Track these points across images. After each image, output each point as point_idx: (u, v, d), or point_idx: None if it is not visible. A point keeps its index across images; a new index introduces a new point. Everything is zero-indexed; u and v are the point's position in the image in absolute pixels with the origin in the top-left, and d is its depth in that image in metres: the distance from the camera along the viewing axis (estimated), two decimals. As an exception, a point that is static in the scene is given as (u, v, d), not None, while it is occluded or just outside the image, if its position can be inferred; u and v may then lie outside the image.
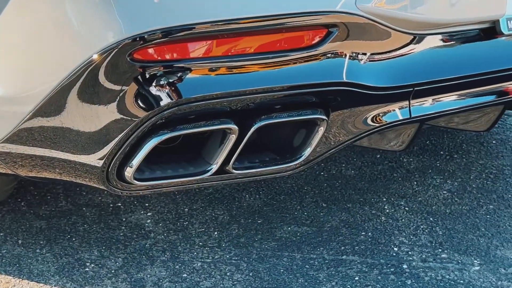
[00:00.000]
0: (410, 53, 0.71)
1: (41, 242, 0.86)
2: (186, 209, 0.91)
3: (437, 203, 0.94)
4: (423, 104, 0.73)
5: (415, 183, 0.99)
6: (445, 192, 0.96)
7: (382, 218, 0.90)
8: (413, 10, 0.69)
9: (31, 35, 0.68)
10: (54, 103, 0.64)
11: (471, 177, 1.00)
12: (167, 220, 0.89)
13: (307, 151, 0.69)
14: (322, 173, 1.00)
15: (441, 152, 1.06)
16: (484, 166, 1.02)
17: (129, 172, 0.65)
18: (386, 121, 0.72)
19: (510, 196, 0.96)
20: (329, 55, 0.66)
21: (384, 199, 0.95)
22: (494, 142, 1.09)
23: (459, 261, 0.82)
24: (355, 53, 0.66)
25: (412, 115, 0.72)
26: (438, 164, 1.03)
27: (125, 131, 0.63)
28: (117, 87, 0.63)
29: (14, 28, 0.68)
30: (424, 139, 1.08)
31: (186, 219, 0.89)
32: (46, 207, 0.91)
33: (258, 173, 0.70)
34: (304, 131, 0.69)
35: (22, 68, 0.69)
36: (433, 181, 0.99)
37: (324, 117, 0.67)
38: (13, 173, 0.76)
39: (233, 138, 0.65)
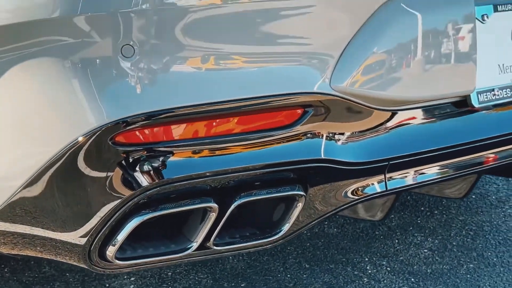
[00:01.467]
0: (384, 129, 0.74)
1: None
2: (170, 273, 0.92)
3: (418, 262, 0.96)
4: (399, 177, 0.76)
5: (397, 241, 1.01)
6: (426, 250, 0.98)
7: (365, 279, 0.92)
8: (386, 88, 0.72)
9: (19, 114, 0.70)
10: (40, 181, 0.66)
11: (452, 234, 1.02)
12: (151, 285, 0.89)
13: (286, 227, 0.70)
14: (305, 231, 1.02)
15: (422, 208, 1.09)
16: (464, 223, 1.05)
17: (111, 251, 0.66)
18: (364, 194, 0.74)
19: (489, 254, 0.98)
20: (307, 133, 0.69)
21: (366, 259, 0.96)
22: (473, 196, 1.12)
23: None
24: (332, 131, 0.69)
25: (388, 188, 0.75)
26: (419, 221, 1.06)
27: (108, 211, 0.64)
28: (101, 169, 0.64)
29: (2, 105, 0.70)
30: (405, 194, 1.10)
31: (169, 284, 0.90)
32: (29, 273, 0.91)
33: (239, 248, 0.71)
34: (283, 206, 0.71)
35: (9, 146, 0.71)
36: (414, 239, 1.01)
37: (302, 193, 0.69)
38: None
39: (213, 216, 0.66)
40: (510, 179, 1.38)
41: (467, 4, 0.75)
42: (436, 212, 1.07)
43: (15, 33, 0.65)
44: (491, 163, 0.85)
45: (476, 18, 0.76)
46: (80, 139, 0.63)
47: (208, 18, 0.65)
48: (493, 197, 1.20)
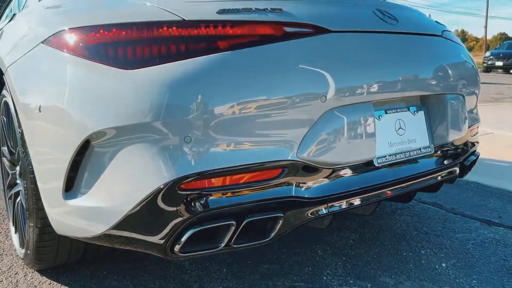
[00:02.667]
0: (327, 178, 1.30)
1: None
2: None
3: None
4: (336, 204, 1.32)
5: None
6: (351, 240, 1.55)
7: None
8: (328, 156, 1.26)
9: (130, 167, 1.15)
10: (140, 207, 1.12)
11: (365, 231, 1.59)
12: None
13: (273, 233, 1.24)
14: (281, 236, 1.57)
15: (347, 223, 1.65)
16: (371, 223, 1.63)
17: (177, 248, 1.17)
18: (316, 215, 1.29)
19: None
20: (284, 182, 1.23)
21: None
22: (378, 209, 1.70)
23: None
24: (298, 181, 1.24)
25: (329, 211, 1.30)
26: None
27: (176, 226, 1.15)
28: (173, 202, 1.14)
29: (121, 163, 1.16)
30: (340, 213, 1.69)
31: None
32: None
33: (247, 246, 1.23)
34: (271, 222, 1.24)
35: (125, 185, 1.18)
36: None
37: (281, 214, 1.23)
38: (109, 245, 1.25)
39: (232, 228, 1.19)
40: (404, 203, 2.04)
41: (369, 110, 1.34)
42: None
43: (127, 130, 1.13)
44: (388, 195, 1.43)
45: (375, 117, 1.36)
46: (161, 186, 1.14)
47: (228, 122, 1.13)
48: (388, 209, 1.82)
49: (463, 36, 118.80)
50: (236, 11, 1.20)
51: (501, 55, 18.10)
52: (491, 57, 18.47)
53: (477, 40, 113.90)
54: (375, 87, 1.33)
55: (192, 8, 1.20)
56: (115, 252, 1.80)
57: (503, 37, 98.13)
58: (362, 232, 1.99)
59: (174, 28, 1.16)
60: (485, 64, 18.72)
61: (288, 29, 1.22)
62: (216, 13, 1.19)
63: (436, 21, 1.77)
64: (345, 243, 1.89)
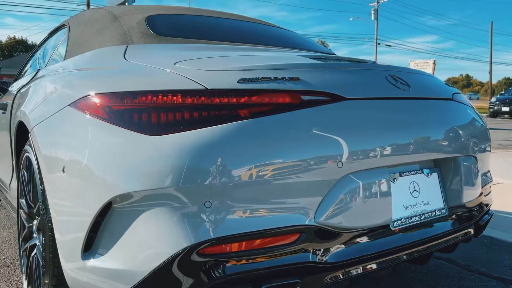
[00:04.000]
0: (343, 243, 1.31)
1: None
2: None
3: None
4: (353, 269, 1.32)
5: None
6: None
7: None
8: (344, 221, 1.28)
9: (152, 231, 1.16)
10: (161, 269, 1.13)
11: None
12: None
13: (290, 300, 1.24)
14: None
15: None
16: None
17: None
18: (334, 280, 1.29)
19: None
20: (302, 248, 1.24)
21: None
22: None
23: None
24: (316, 247, 1.25)
25: (348, 276, 1.30)
26: None
27: None
28: (192, 266, 1.15)
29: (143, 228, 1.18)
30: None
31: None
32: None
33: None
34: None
35: (132, 252, 1.21)
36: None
37: (298, 280, 1.23)
38: None
39: (250, 293, 1.19)
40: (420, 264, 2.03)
41: (385, 174, 1.37)
42: None
43: (149, 194, 1.15)
44: (405, 258, 1.43)
45: (390, 181, 1.38)
46: (180, 251, 1.14)
47: (248, 188, 1.16)
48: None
49: (468, 81, 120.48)
50: (256, 80, 1.26)
51: (507, 100, 18.29)
52: (497, 102, 18.66)
53: (481, 84, 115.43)
54: (390, 151, 1.36)
55: (214, 77, 1.26)
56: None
57: (508, 81, 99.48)
58: (376, 291, 1.96)
59: (197, 96, 1.21)
60: (491, 109, 18.87)
61: (304, 97, 1.27)
62: (237, 82, 1.25)
63: (446, 83, 1.83)
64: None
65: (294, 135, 1.22)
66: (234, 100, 1.22)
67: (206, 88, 1.23)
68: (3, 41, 63.52)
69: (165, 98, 1.22)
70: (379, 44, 39.93)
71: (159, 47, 1.75)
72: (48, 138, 1.44)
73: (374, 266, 1.35)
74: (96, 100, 1.31)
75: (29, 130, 1.58)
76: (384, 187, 1.35)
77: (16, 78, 3.22)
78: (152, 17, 2.02)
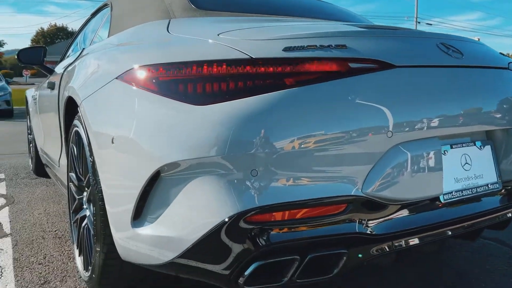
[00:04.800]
0: (390, 215, 1.28)
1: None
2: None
3: None
4: (400, 242, 1.28)
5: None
6: None
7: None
8: (393, 192, 1.25)
9: (199, 199, 1.18)
10: (206, 238, 1.14)
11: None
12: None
13: (336, 270, 1.22)
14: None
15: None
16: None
17: (241, 281, 1.18)
18: (381, 252, 1.26)
19: None
20: (347, 218, 1.22)
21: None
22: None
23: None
24: (363, 218, 1.23)
25: (395, 248, 1.27)
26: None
27: (241, 258, 1.16)
28: (238, 234, 1.15)
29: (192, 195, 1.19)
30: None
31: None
32: None
33: (310, 281, 1.22)
34: (334, 258, 1.23)
35: (180, 219, 1.23)
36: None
37: (345, 251, 1.21)
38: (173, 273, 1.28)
39: (296, 262, 1.19)
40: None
41: (436, 145, 1.32)
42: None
43: (196, 163, 1.16)
44: (454, 233, 1.38)
45: (441, 152, 1.33)
46: (226, 219, 1.15)
47: (295, 157, 1.14)
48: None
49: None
50: (302, 48, 1.23)
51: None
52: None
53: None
54: (441, 122, 1.31)
55: (259, 46, 1.25)
56: (172, 279, 1.84)
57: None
58: (422, 268, 1.92)
59: (242, 65, 1.20)
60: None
61: (352, 65, 1.23)
62: (282, 50, 1.23)
63: (501, 53, 1.72)
64: (403, 279, 1.82)
65: (342, 103, 1.19)
66: (280, 68, 1.20)
67: (251, 57, 1.21)
68: (45, 29, 65.79)
69: (210, 68, 1.22)
70: (419, 22, 38.39)
71: (201, 20, 1.75)
72: (97, 111, 1.48)
73: (421, 240, 1.31)
74: (142, 72, 1.32)
75: (78, 104, 1.63)
76: (435, 159, 1.30)
77: (61, 59, 3.32)
78: (193, -9, 2.01)
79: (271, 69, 1.20)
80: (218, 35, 1.36)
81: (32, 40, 64.60)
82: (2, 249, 2.25)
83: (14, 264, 2.06)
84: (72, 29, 66.86)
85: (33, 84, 32.24)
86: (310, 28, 1.50)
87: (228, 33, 1.36)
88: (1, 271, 1.98)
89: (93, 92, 1.53)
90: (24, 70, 38.49)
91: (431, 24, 41.27)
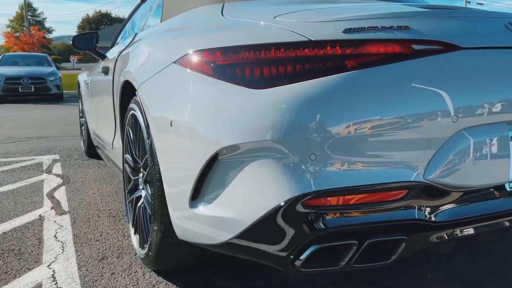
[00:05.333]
0: (452, 202, 1.24)
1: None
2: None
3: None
4: (462, 230, 1.25)
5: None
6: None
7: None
8: (456, 179, 1.21)
9: (243, 180, 1.22)
10: (264, 220, 1.16)
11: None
12: None
13: (394, 256, 1.21)
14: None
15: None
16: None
17: (298, 263, 1.19)
18: (441, 239, 1.23)
19: None
20: (407, 204, 1.19)
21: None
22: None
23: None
24: (423, 204, 1.20)
25: (456, 236, 1.24)
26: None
27: (299, 241, 1.17)
28: (294, 217, 1.15)
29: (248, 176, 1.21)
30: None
31: None
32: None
33: (367, 266, 1.22)
34: (393, 244, 1.21)
35: (237, 201, 1.25)
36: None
37: (405, 237, 1.20)
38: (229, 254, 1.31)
39: (354, 247, 1.18)
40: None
41: (503, 130, 1.25)
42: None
43: (254, 146, 1.17)
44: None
45: (509, 138, 1.26)
46: (283, 203, 1.15)
47: (355, 141, 1.13)
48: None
49: None
50: (362, 30, 1.20)
51: None
52: None
53: None
54: (509, 106, 1.24)
55: (318, 29, 1.23)
56: (226, 259, 1.88)
57: None
58: (487, 258, 1.86)
59: (301, 48, 1.19)
60: None
61: (416, 47, 1.19)
62: (342, 32, 1.20)
63: None
64: (466, 271, 1.78)
65: (405, 87, 1.16)
66: (340, 51, 1.18)
67: (310, 39, 1.20)
68: (91, 15, 67.87)
69: (268, 51, 1.22)
70: (469, 2, 36.38)
71: (254, 3, 1.74)
72: (155, 94, 1.52)
73: (485, 228, 1.27)
74: (200, 56, 1.34)
75: (136, 88, 1.67)
76: (501, 145, 1.24)
77: (112, 45, 3.42)
78: (245, -26, 2.00)
79: (331, 51, 1.18)
80: (274, 17, 1.35)
81: (78, 26, 66.93)
82: (62, 226, 2.39)
83: (74, 240, 2.18)
84: (115, 15, 68.61)
85: (79, 69, 33.53)
86: (369, 9, 1.46)
87: (285, 16, 1.35)
88: (63, 246, 2.11)
89: (151, 77, 1.57)
90: (71, 55, 40.04)
91: (482, 4, 38.94)
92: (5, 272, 1.83)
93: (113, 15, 68.37)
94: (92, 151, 4.00)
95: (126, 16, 3.45)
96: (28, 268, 1.87)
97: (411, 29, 1.22)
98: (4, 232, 2.29)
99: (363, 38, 1.19)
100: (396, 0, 2.09)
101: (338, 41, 1.19)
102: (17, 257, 1.98)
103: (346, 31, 1.20)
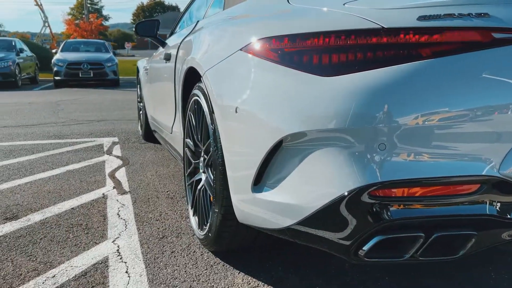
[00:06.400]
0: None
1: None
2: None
3: None
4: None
5: None
6: None
7: None
8: None
9: (307, 167, 1.23)
10: (327, 208, 1.16)
11: None
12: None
13: (462, 251, 1.18)
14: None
15: None
16: None
17: (361, 253, 1.19)
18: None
19: None
20: (479, 199, 1.15)
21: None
22: None
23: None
24: (496, 200, 1.15)
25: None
26: None
27: (364, 231, 1.16)
28: (362, 209, 1.15)
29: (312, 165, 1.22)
30: None
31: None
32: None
33: (433, 260, 1.19)
34: (462, 239, 1.18)
35: (300, 188, 1.26)
36: None
37: (475, 232, 1.16)
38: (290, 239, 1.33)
39: (421, 240, 1.15)
40: None
41: None
42: None
43: (321, 134, 1.16)
44: None
45: None
46: (347, 193, 1.14)
47: (426, 132, 1.10)
48: None
49: None
50: (438, 17, 1.16)
51: None
52: None
53: None
54: None
55: (391, 16, 1.20)
56: (281, 243, 1.91)
57: None
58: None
59: (373, 36, 1.17)
60: None
61: (497, 35, 1.13)
62: (417, 20, 1.17)
63: None
64: (525, 270, 1.70)
65: (483, 77, 1.11)
66: (415, 39, 1.14)
67: (383, 27, 1.17)
68: (145, 3, 69.83)
69: (338, 39, 1.21)
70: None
71: (321, -10, 1.71)
72: (221, 81, 1.56)
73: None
74: (267, 43, 1.35)
75: (201, 75, 1.72)
76: None
77: (172, 32, 3.52)
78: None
79: (405, 39, 1.15)
80: (344, 4, 1.33)
81: (133, 14, 69.15)
82: (124, 205, 2.52)
83: (136, 218, 2.30)
84: (168, 3, 70.10)
85: (133, 56, 34.77)
86: (445, -5, 1.40)
87: (355, 2, 1.33)
88: (125, 224, 2.23)
89: (216, 63, 1.60)
90: (126, 42, 41.56)
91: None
92: (75, 245, 1.97)
93: (166, 3, 69.93)
94: (149, 135, 4.16)
95: (178, 5, 3.53)
96: (95, 242, 2.00)
97: (491, 16, 1.16)
98: (72, 208, 2.46)
99: (440, 25, 1.15)
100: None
101: (412, 29, 1.15)
102: (85, 232, 2.12)
103: (421, 18, 1.16)
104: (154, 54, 3.67)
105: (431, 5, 1.20)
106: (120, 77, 13.35)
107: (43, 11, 39.80)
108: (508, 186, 1.15)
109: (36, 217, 2.32)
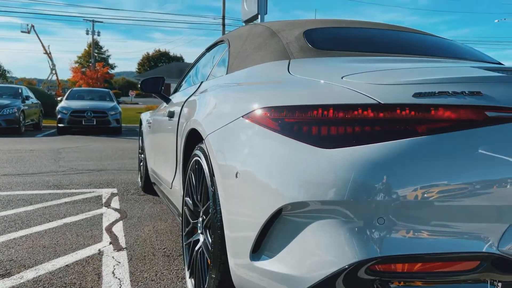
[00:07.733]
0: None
1: None
2: None
3: None
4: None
5: None
6: None
7: None
8: None
9: (307, 238, 1.24)
10: (331, 276, 1.15)
11: None
12: None
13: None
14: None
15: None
16: None
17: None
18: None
19: None
20: (479, 277, 1.13)
21: None
22: None
23: None
24: (495, 278, 1.14)
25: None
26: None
27: None
28: (359, 284, 1.13)
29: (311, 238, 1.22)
30: None
31: None
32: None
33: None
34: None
35: (300, 259, 1.25)
36: None
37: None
38: None
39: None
40: None
41: None
42: None
43: (320, 205, 1.17)
44: None
45: None
46: (347, 266, 1.13)
47: (424, 208, 1.11)
48: None
49: None
50: (433, 94, 1.21)
51: None
52: None
53: None
54: None
55: (387, 91, 1.25)
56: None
57: None
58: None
59: (370, 111, 1.21)
60: None
61: (490, 114, 1.18)
62: (412, 96, 1.21)
63: None
64: None
65: (477, 154, 1.14)
66: (410, 115, 1.19)
67: (379, 102, 1.22)
68: (150, 53, 72.19)
69: (336, 112, 1.25)
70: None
71: (320, 61, 1.79)
72: (223, 145, 1.59)
73: None
74: (268, 112, 1.40)
75: (204, 137, 1.76)
76: None
77: (176, 90, 3.62)
78: (309, 31, 2.09)
79: (400, 115, 1.19)
80: (341, 78, 1.39)
81: (138, 63, 71.28)
82: (119, 262, 2.47)
83: (131, 278, 2.25)
84: (173, 54, 72.49)
85: (137, 103, 35.44)
86: (439, 71, 1.47)
87: (352, 76, 1.39)
88: (120, 284, 2.18)
89: (219, 128, 1.64)
90: (130, 90, 42.51)
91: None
92: (67, 306, 1.91)
93: (171, 54, 72.33)
94: (149, 187, 4.16)
95: (182, 55, 3.64)
96: (88, 304, 1.94)
97: (483, 95, 1.21)
98: (67, 265, 2.41)
99: (434, 103, 1.19)
100: (465, 57, 2.08)
101: (408, 105, 1.20)
102: (78, 291, 2.07)
103: (416, 95, 1.21)
104: (158, 108, 3.75)
105: (426, 82, 1.26)
106: (123, 124, 13.53)
107: (51, 59, 40.97)
108: (508, 264, 1.14)
109: (29, 274, 2.27)
